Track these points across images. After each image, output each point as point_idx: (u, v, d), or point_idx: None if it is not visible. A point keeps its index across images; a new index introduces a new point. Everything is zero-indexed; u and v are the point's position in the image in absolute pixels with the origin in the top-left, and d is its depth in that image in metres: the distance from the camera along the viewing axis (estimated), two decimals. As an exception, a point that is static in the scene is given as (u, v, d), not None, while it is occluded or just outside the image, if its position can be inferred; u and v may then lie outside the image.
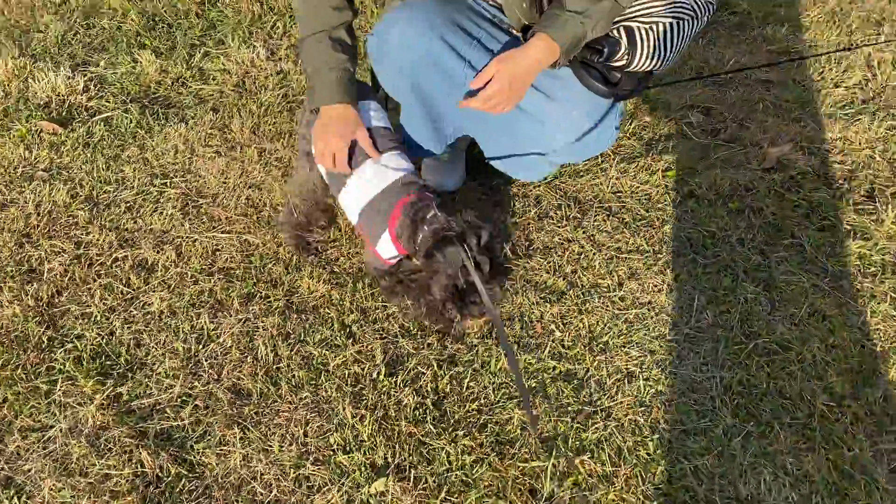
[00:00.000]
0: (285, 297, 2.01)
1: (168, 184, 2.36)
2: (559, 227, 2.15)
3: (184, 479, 1.65)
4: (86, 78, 2.82)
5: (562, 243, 2.10)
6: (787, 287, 1.98)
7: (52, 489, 1.64)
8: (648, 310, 1.94)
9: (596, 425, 1.71)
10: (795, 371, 1.80)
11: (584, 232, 2.13)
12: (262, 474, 1.66)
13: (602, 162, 2.36)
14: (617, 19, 1.74)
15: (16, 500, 1.63)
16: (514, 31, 1.87)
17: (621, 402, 1.76)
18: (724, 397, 1.76)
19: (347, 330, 1.92)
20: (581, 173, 2.33)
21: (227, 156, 2.44)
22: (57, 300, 2.02)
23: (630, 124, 2.49)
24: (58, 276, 2.07)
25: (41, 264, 2.11)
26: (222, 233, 2.19)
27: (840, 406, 1.73)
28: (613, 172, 2.32)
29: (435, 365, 1.83)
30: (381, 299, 1.97)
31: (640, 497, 1.58)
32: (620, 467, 1.64)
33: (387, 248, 1.81)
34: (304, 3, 1.84)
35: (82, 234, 2.20)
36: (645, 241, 2.10)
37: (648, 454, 1.66)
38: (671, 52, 1.83)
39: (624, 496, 1.59)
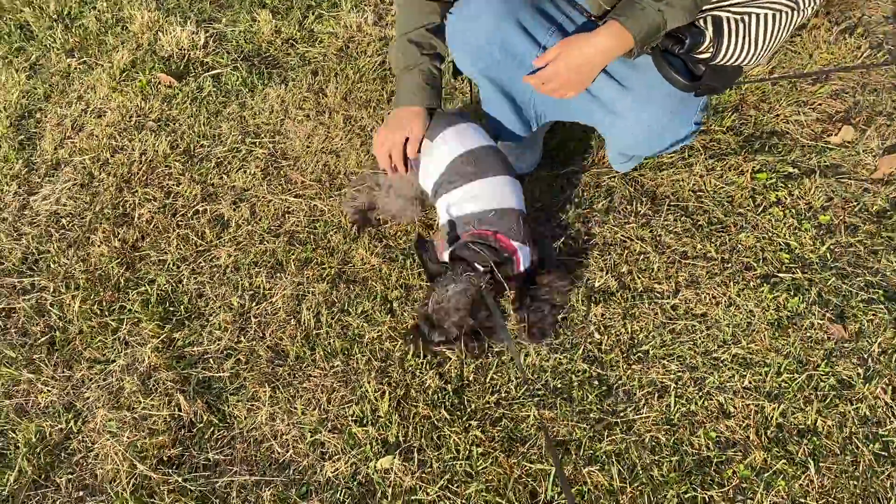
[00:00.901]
0: (339, 265, 2.07)
1: (257, 143, 2.48)
2: (625, 222, 2.06)
3: (213, 428, 1.77)
4: (207, 34, 2.98)
5: (623, 240, 2.01)
6: (862, 317, 1.79)
7: (103, 418, 1.81)
8: (700, 322, 1.83)
9: (613, 437, 1.65)
10: (849, 412, 1.64)
11: (650, 231, 2.02)
12: (282, 434, 1.74)
13: (689, 156, 2.22)
14: (705, 7, 1.61)
15: (73, 423, 1.82)
16: (595, 19, 1.78)
17: (647, 417, 1.68)
18: (760, 428, 1.63)
19: (388, 305, 1.95)
20: (664, 166, 2.20)
21: (316, 120, 2.52)
22: (140, 245, 2.20)
23: (730, 116, 2.31)
24: (145, 223, 2.25)
25: (133, 210, 2.30)
26: (295, 196, 2.28)
27: (892, 460, 1.56)
28: (699, 169, 2.17)
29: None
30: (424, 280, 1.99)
31: (641, 519, 1.52)
32: (628, 485, 1.57)
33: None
34: (403, 5, 1.89)
35: (174, 185, 2.36)
36: (715, 247, 1.97)
37: (662, 476, 1.58)
38: (763, 47, 1.67)
39: (625, 515, 1.53)
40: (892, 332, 1.75)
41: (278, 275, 2.07)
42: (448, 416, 1.71)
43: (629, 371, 1.76)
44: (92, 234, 2.24)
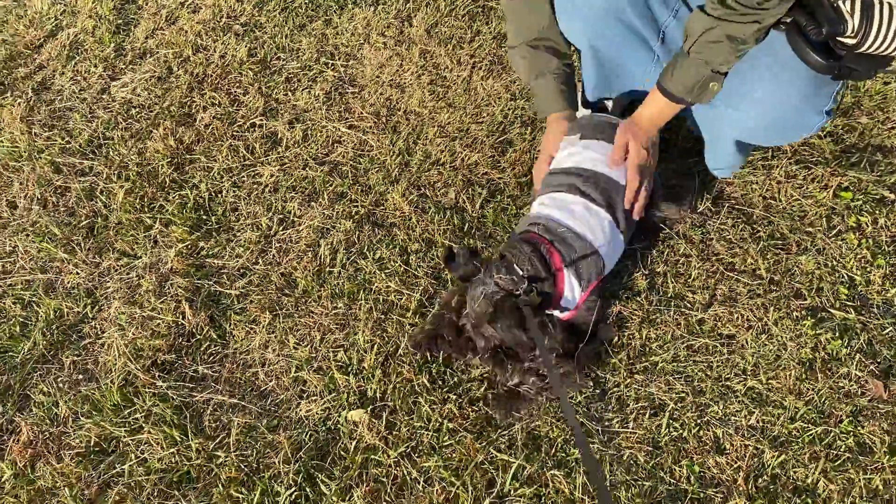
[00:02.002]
0: (370, 206, 2.02)
1: (330, 65, 2.43)
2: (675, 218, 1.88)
3: (210, 343, 1.81)
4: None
5: (668, 238, 1.84)
6: (911, 379, 1.57)
7: (116, 310, 1.88)
8: (723, 344, 1.67)
9: (592, 445, 1.55)
10: (859, 480, 1.46)
11: (702, 232, 1.84)
12: (270, 363, 1.75)
13: (773, 156, 1.98)
14: None
15: (89, 308, 1.91)
16: None
17: (632, 433, 1.57)
18: (752, 474, 1.49)
19: (406, 257, 1.90)
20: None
21: (393, 50, 2.44)
22: (193, 148, 2.23)
23: (836, 119, 2.04)
24: (203, 126, 2.28)
25: (197, 112, 2.33)
26: (348, 126, 2.23)
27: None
28: (778, 173, 1.94)
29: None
30: (451, 240, 1.91)
31: (590, 538, 1.43)
32: (590, 499, 1.48)
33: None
34: (512, 12, 1.79)
35: (241, 94, 2.37)
36: (767, 265, 1.77)
37: (629, 499, 1.48)
38: None
39: (576, 529, 1.45)
40: (939, 403, 1.53)
41: (311, 204, 2.05)
42: (428, 385, 1.66)
43: (629, 380, 1.64)
44: (154, 129, 2.29)
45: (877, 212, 1.83)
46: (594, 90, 1.85)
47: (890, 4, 1.33)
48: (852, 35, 1.36)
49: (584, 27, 1.71)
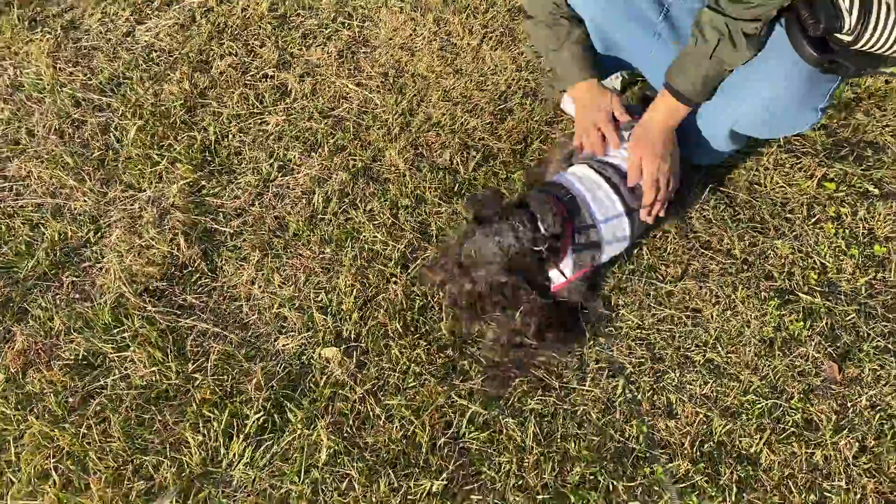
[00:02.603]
0: (368, 160, 2.09)
1: (346, 24, 2.50)
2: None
3: (200, 275, 1.90)
4: None
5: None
6: (866, 365, 1.61)
7: (118, 238, 1.98)
8: (688, 317, 1.72)
9: (546, 399, 1.62)
10: (801, 454, 1.50)
11: (682, 208, 1.88)
12: (254, 298, 1.84)
13: (764, 144, 2.02)
14: None
15: (92, 234, 2.00)
16: None
17: (588, 392, 1.63)
18: (698, 440, 1.54)
19: (394, 211, 1.96)
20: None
21: (408, 15, 2.50)
22: (206, 93, 2.32)
23: (833, 114, 2.07)
24: (218, 73, 2.36)
25: (214, 59, 2.42)
26: (356, 84, 2.30)
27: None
28: (767, 160, 1.98)
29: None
30: (441, 198, 1.98)
31: (536, 481, 1.50)
32: (538, 447, 1.55)
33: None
34: None
35: (257, 45, 2.45)
36: (743, 245, 1.81)
37: (577, 451, 1.54)
38: None
39: (524, 475, 1.51)
40: (891, 390, 1.57)
41: (312, 154, 2.12)
42: (401, 330, 1.73)
43: (592, 341, 1.69)
44: (171, 73, 2.38)
45: (858, 204, 1.86)
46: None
47: (888, 5, 1.36)
48: (849, 32, 1.39)
49: (586, 1, 1.75)
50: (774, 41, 1.54)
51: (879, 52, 1.43)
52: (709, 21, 1.47)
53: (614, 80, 2.13)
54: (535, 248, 1.52)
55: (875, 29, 1.36)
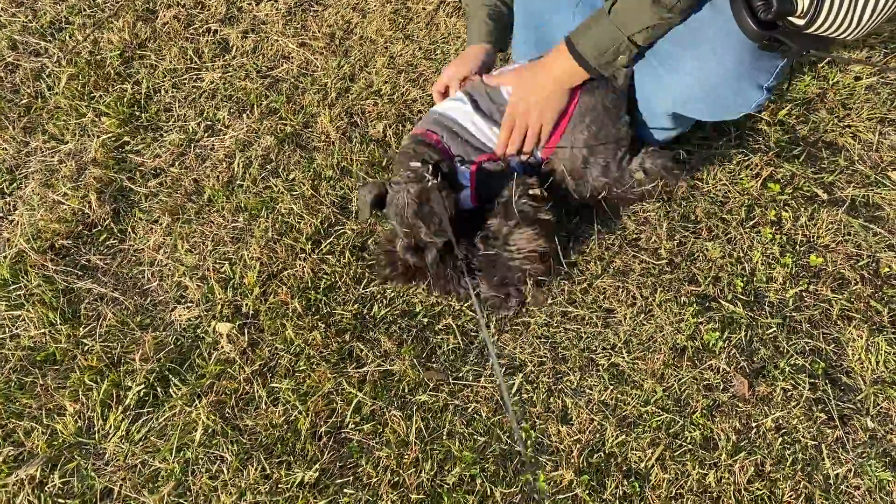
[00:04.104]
0: (298, 126, 2.00)
1: (301, -20, 2.38)
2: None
3: (108, 235, 1.84)
4: None
5: (580, 206, 1.78)
6: (780, 384, 1.50)
7: (32, 191, 1.92)
8: (599, 317, 1.62)
9: (438, 394, 1.54)
10: (693, 474, 1.41)
11: (615, 205, 1.77)
12: (158, 263, 1.77)
13: (714, 135, 1.89)
14: None
15: (6, 185, 1.94)
16: None
17: (482, 388, 1.55)
18: (587, 449, 1.46)
19: (316, 182, 1.88)
20: (680, 137, 1.88)
21: (367, -26, 2.37)
22: (146, 44, 2.23)
23: (794, 108, 1.92)
24: (161, 24, 2.27)
25: (160, 9, 2.32)
26: (299, 44, 2.20)
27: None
28: (712, 154, 1.85)
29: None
30: (367, 172, 1.89)
31: (412, 479, 1.43)
32: (420, 443, 1.47)
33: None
34: None
35: (206, -3, 2.35)
36: (671, 245, 1.70)
37: (458, 450, 1.47)
38: (868, 22, 1.30)
39: (401, 472, 1.44)
40: (800, 412, 1.47)
41: (242, 115, 2.04)
42: (301, 310, 1.66)
43: (496, 337, 1.61)
44: (114, 21, 2.29)
45: (801, 209, 1.74)
46: (522, 44, 1.78)
47: None
48: (801, 15, 1.26)
49: None
50: (719, 14, 1.42)
51: (832, 35, 1.31)
52: None
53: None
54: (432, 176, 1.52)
55: (829, 12, 1.24)
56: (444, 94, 1.76)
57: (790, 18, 1.30)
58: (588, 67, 1.47)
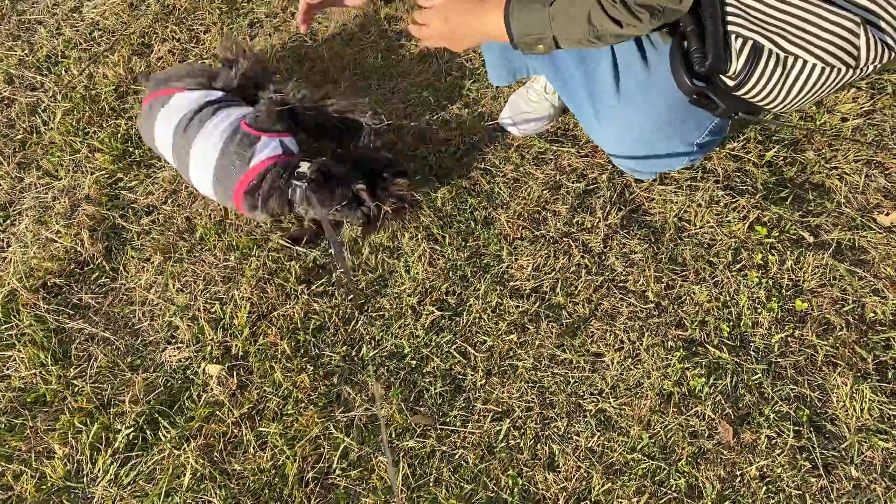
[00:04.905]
0: (290, 164, 2.01)
1: (294, 14, 2.39)
2: (584, 226, 1.83)
3: (100, 273, 1.84)
4: None
5: (570, 245, 1.79)
6: (765, 431, 1.51)
7: (25, 227, 1.93)
8: (587, 362, 1.63)
9: (425, 439, 1.55)
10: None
11: (603, 245, 1.79)
12: (149, 303, 1.78)
13: (701, 177, 1.91)
14: (753, 21, 1.24)
15: (1, 220, 1.95)
16: None
17: (470, 433, 1.56)
18: (573, 498, 1.47)
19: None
20: (668, 179, 1.91)
21: (360, 8, 2.39)
22: (140, 80, 2.24)
23: (781, 149, 1.94)
24: (156, 59, 2.29)
25: (155, 43, 2.34)
26: (294, 81, 2.21)
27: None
28: (701, 196, 1.87)
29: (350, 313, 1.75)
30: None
31: None
32: (407, 491, 1.48)
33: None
34: None
35: (202, 32, 2.37)
36: (659, 288, 1.72)
37: (444, 499, 1.47)
38: (794, 99, 1.32)
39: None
40: (785, 460, 1.48)
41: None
42: (290, 352, 1.67)
43: (485, 381, 1.62)
44: (110, 55, 2.30)
45: (787, 252, 1.75)
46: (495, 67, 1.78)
47: (778, 56, 1.24)
48: (732, 76, 1.28)
49: None
50: (653, 60, 1.45)
51: (760, 103, 1.33)
52: None
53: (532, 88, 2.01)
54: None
55: (759, 80, 1.25)
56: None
57: (722, 77, 1.30)
58: (511, 38, 1.37)
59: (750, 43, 1.23)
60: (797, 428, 1.52)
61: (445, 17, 1.43)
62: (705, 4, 1.23)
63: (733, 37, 1.24)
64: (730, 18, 1.23)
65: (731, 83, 1.27)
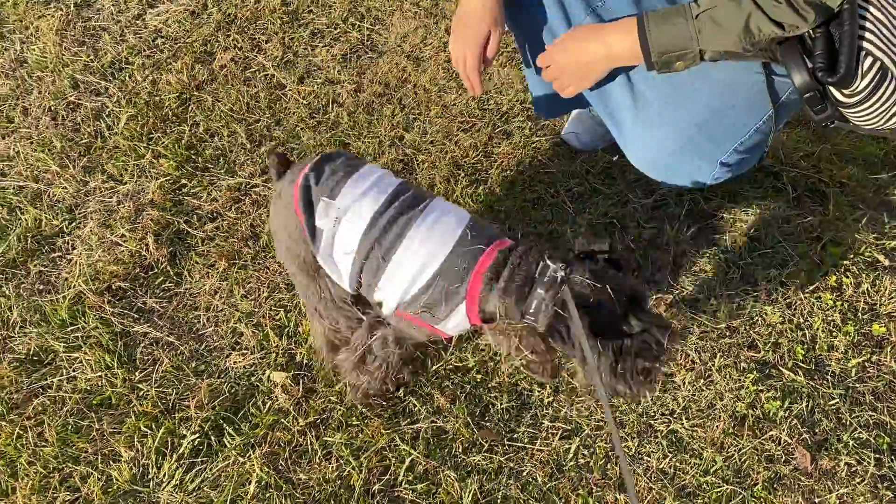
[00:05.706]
0: (353, 173, 2.01)
1: (356, 26, 2.41)
2: (657, 236, 1.80)
3: (165, 278, 1.85)
4: None
5: (638, 260, 1.77)
6: (843, 458, 1.47)
7: (90, 231, 1.94)
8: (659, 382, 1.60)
9: (492, 455, 1.52)
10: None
11: (675, 263, 1.76)
12: (214, 309, 1.78)
13: (773, 195, 1.87)
14: (884, 44, 1.20)
15: (66, 224, 1.97)
16: None
17: (539, 451, 1.53)
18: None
19: (370, 231, 1.88)
20: (738, 197, 1.87)
21: (421, 21, 2.40)
22: (203, 86, 2.26)
23: (858, 169, 1.90)
24: (219, 67, 2.30)
25: (217, 51, 2.36)
26: (355, 90, 2.21)
27: None
28: (772, 215, 1.83)
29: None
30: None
31: None
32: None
33: (458, 324, 1.34)
34: None
35: (263, 41, 2.38)
36: (730, 308, 1.68)
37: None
38: (890, 124, 1.29)
39: None
40: (865, 489, 1.43)
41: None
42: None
43: (552, 398, 1.59)
44: (173, 62, 2.33)
45: (863, 275, 1.71)
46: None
47: None
48: (853, 93, 1.23)
49: None
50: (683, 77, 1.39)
51: (856, 120, 1.29)
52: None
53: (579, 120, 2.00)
54: None
55: (876, 102, 1.22)
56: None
57: (834, 89, 1.26)
58: (647, 58, 1.32)
59: (878, 64, 1.19)
60: (878, 456, 1.47)
61: (563, 48, 1.43)
62: (846, 15, 1.17)
63: (863, 53, 1.20)
64: (867, 35, 1.18)
65: (844, 98, 1.23)
